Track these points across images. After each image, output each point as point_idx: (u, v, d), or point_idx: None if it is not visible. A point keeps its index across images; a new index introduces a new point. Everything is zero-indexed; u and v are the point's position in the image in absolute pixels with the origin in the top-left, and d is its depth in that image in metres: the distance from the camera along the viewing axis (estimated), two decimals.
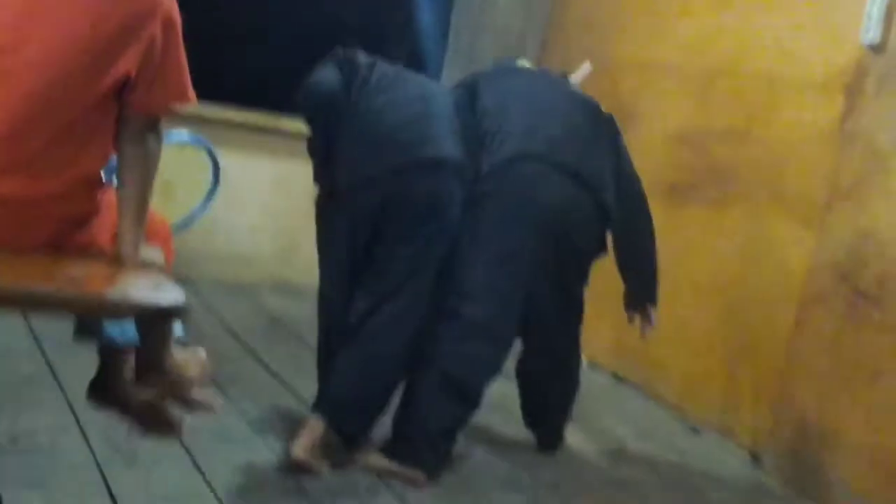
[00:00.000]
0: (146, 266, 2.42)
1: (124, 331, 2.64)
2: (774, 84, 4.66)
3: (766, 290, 4.53)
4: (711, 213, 4.88)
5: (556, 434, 4.11)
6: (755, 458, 4.42)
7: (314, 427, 3.45)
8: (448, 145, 3.60)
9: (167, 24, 2.41)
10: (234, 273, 5.87)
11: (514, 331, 3.77)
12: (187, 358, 2.88)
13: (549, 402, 4.08)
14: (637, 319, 4.02)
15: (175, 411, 2.74)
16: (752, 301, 4.61)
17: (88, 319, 2.62)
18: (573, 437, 4.20)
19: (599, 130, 3.89)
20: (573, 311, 3.92)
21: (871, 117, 4.10)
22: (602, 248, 3.87)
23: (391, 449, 3.57)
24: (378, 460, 3.55)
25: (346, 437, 3.55)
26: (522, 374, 4.05)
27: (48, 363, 3.95)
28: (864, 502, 3.88)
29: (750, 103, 4.78)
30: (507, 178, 3.64)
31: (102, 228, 2.46)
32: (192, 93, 2.51)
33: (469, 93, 3.88)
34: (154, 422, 2.74)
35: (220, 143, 5.80)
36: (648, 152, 4.78)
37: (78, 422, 3.42)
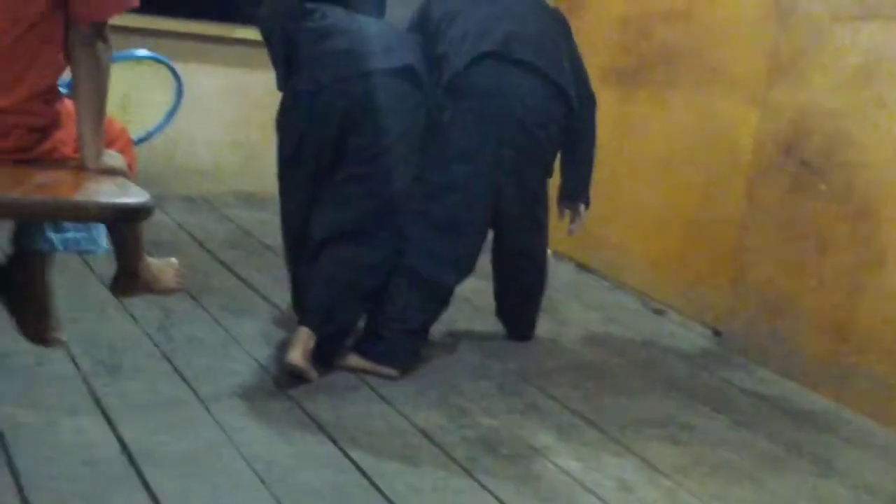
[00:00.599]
0: (109, 171, 2.50)
1: (65, 239, 2.74)
2: None
3: (715, 168, 4.67)
4: (658, 95, 4.99)
5: (529, 324, 4.27)
6: (717, 333, 4.60)
7: (305, 336, 3.57)
8: (409, 55, 3.72)
9: None
10: (196, 186, 5.95)
11: (480, 227, 3.89)
12: (161, 266, 3.02)
13: (521, 293, 4.22)
14: (568, 215, 4.17)
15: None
16: (703, 180, 4.75)
17: (31, 225, 2.70)
18: (541, 326, 4.35)
19: (553, 27, 3.98)
20: (538, 204, 4.02)
21: None
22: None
23: (365, 347, 3.72)
24: (354, 359, 3.70)
25: (331, 344, 3.68)
26: (495, 268, 4.18)
27: None
28: (816, 363, 4.08)
29: None
30: (468, 82, 3.75)
31: (65, 138, 2.53)
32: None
33: (421, 16, 3.97)
34: None
35: (174, 55, 5.87)
36: (595, 38, 4.87)
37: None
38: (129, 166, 2.65)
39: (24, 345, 2.95)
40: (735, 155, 4.53)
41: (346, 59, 3.63)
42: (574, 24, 4.14)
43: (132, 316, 3.88)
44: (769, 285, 4.31)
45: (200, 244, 5.05)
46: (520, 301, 4.25)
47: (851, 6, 3.97)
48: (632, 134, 5.04)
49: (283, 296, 4.30)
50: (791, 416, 3.82)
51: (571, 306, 4.85)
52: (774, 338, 4.27)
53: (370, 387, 3.58)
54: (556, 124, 3.88)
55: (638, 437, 3.47)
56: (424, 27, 3.91)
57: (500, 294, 4.23)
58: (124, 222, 2.61)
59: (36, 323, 2.88)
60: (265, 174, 5.80)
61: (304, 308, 3.73)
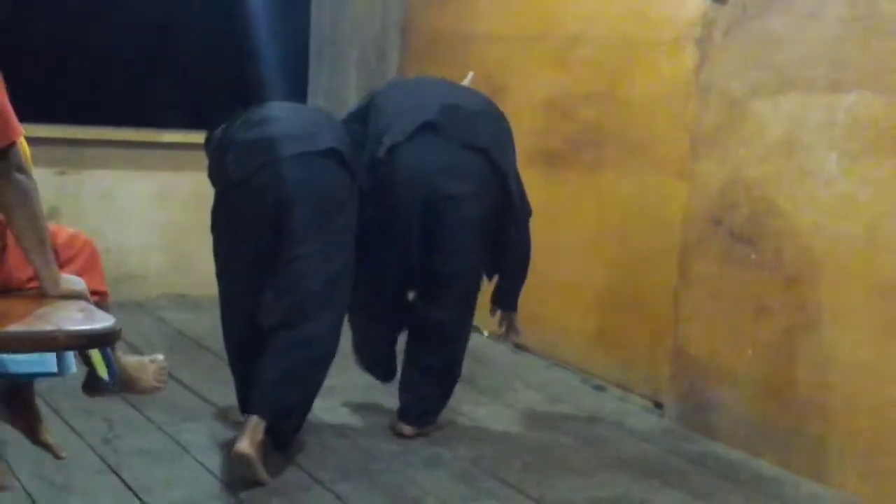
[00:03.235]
0: (71, 295, 2.49)
1: (17, 361, 2.72)
2: (630, 45, 4.87)
3: (648, 243, 4.75)
4: (587, 176, 5.07)
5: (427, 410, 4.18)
6: (658, 405, 4.64)
7: (254, 424, 3.53)
8: (336, 139, 3.75)
9: None
10: (128, 292, 5.89)
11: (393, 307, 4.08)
12: (139, 365, 3.00)
13: (426, 371, 4.12)
14: (499, 318, 4.26)
15: None
16: (636, 256, 4.82)
17: None
18: (485, 409, 4.36)
19: (493, 113, 4.07)
20: (468, 281, 4.03)
21: (722, 67, 4.32)
22: (501, 216, 4.00)
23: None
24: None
25: (283, 428, 3.67)
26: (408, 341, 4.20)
27: None
28: (758, 430, 4.13)
29: (609, 66, 4.98)
30: (402, 155, 3.81)
31: (17, 263, 2.52)
32: (16, 128, 2.49)
33: (364, 105, 4.05)
34: None
35: (102, 163, 5.89)
36: (521, 122, 4.93)
37: (4, 457, 3.46)
38: (99, 277, 2.64)
39: None
40: (666, 229, 4.61)
41: (270, 144, 3.65)
42: (500, 108, 4.20)
43: (74, 429, 3.83)
44: (707, 355, 4.37)
45: (136, 350, 4.99)
46: (424, 379, 4.14)
47: (768, 81, 4.09)
48: (563, 214, 5.11)
49: (227, 399, 4.27)
50: (740, 485, 3.86)
51: (513, 387, 4.87)
52: (715, 407, 4.32)
53: (323, 486, 3.56)
54: (490, 195, 3.92)
55: None
56: (363, 114, 3.99)
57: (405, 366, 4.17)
58: (93, 347, 2.60)
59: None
60: (197, 275, 5.81)
61: (255, 397, 3.66)
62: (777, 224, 4.06)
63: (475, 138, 3.86)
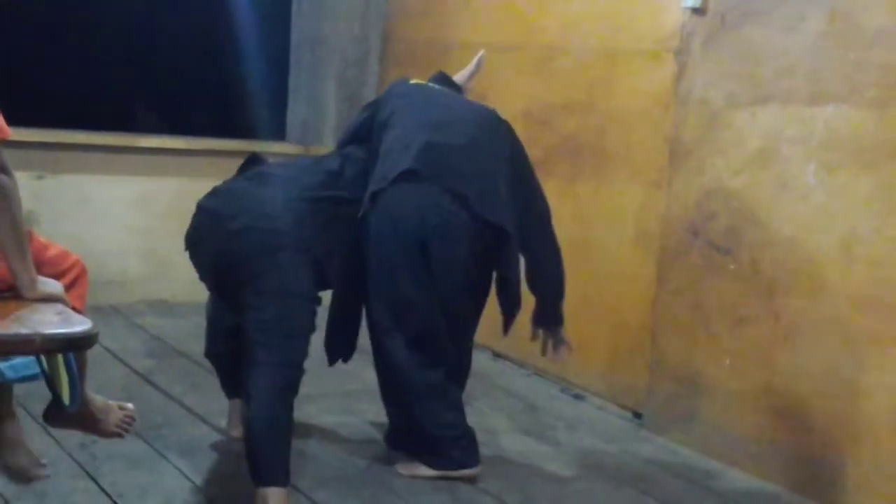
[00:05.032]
0: (47, 298, 2.48)
1: (14, 366, 2.71)
2: (609, 55, 4.90)
3: (626, 254, 4.77)
4: (566, 186, 5.09)
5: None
6: (637, 415, 4.66)
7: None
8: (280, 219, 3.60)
9: None
10: (105, 297, 5.87)
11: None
12: (104, 407, 2.97)
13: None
14: (542, 337, 4.10)
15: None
16: (614, 266, 4.84)
17: None
18: None
19: (495, 142, 3.91)
20: (461, 325, 3.89)
21: (700, 77, 4.34)
22: (491, 264, 3.86)
23: (432, 461, 3.80)
24: (427, 471, 3.80)
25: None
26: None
27: None
28: (737, 441, 4.15)
29: (588, 76, 5.01)
30: (386, 199, 3.69)
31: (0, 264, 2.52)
32: (3, 129, 2.49)
33: (364, 121, 4.01)
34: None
35: (78, 168, 5.88)
36: None
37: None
38: (81, 297, 2.64)
39: None
40: (645, 239, 4.63)
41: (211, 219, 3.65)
42: None
43: (51, 435, 3.81)
44: (685, 365, 4.39)
45: (114, 355, 4.98)
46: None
47: (745, 92, 4.12)
48: None
49: (204, 404, 4.28)
50: (718, 496, 3.88)
51: (492, 395, 4.88)
52: (694, 417, 4.34)
53: (301, 492, 3.55)
54: (472, 244, 3.74)
55: None
56: (362, 133, 3.96)
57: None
58: (69, 351, 2.58)
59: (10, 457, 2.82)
60: (176, 280, 5.81)
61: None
62: (755, 235, 4.08)
63: (455, 184, 3.71)
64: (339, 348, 3.97)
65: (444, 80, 4.22)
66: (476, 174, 3.77)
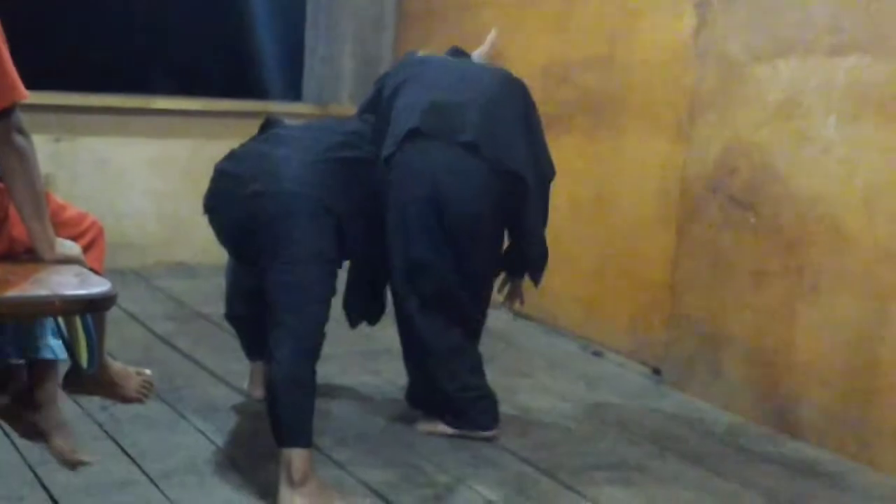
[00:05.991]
0: (65, 260, 2.47)
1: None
2: (628, 9, 4.84)
3: (645, 209, 4.73)
4: (585, 141, 5.05)
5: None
6: (656, 371, 4.64)
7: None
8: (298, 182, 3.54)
9: None
10: (124, 260, 5.88)
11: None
12: (123, 372, 2.96)
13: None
14: (503, 279, 4.04)
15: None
16: (633, 221, 4.81)
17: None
18: None
19: (510, 98, 3.86)
20: (479, 282, 3.84)
21: (721, 30, 4.29)
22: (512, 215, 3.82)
23: (451, 420, 3.83)
24: (446, 429, 3.82)
25: None
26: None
27: None
28: (757, 396, 4.13)
29: (608, 30, 4.96)
30: (397, 163, 3.67)
31: (19, 236, 2.50)
32: (20, 89, 2.47)
33: (374, 95, 3.95)
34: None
35: (94, 130, 5.87)
36: None
37: (2, 427, 3.45)
38: (99, 260, 2.62)
39: None
40: (664, 194, 4.60)
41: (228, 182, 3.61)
42: None
43: (71, 397, 3.81)
44: (705, 321, 4.36)
45: (134, 317, 4.99)
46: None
47: (766, 44, 4.07)
48: (560, 179, 5.04)
49: (224, 365, 4.28)
50: (739, 451, 3.86)
51: (510, 353, 4.87)
52: (714, 373, 4.32)
53: (322, 451, 3.55)
54: (491, 196, 3.71)
55: (591, 482, 3.49)
56: (377, 105, 3.88)
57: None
58: (89, 312, 2.57)
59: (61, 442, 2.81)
60: (194, 242, 5.81)
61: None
62: (776, 189, 4.04)
63: (463, 136, 3.67)
64: (360, 311, 3.96)
65: (457, 53, 4.17)
66: (488, 124, 3.72)
